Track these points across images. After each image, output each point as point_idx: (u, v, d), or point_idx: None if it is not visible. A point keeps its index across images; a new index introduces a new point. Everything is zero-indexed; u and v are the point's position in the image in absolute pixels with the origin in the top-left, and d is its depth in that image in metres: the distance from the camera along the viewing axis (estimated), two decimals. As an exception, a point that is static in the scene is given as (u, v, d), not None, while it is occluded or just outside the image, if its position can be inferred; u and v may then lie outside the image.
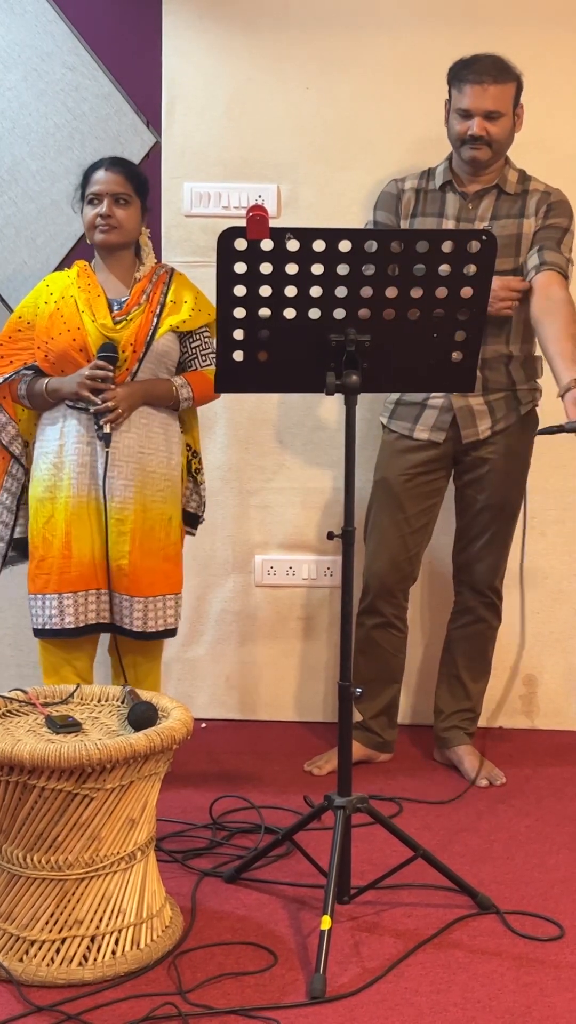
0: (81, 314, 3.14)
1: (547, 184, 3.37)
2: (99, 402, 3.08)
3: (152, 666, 3.31)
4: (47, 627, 3.15)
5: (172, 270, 3.31)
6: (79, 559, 3.13)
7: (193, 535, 3.47)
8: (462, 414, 3.36)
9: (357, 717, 3.42)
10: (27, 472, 3.29)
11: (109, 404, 3.08)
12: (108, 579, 3.14)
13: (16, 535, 3.30)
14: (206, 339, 3.29)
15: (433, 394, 3.36)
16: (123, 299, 3.21)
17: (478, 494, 3.43)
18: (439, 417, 3.38)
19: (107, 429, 3.08)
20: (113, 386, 3.09)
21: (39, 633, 3.18)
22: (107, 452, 3.10)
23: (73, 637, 3.17)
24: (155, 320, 3.19)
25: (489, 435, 3.38)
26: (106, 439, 3.09)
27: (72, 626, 3.13)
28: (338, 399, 2.60)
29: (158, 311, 3.20)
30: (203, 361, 3.28)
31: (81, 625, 3.15)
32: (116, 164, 3.23)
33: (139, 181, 3.25)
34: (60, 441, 3.16)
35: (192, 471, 3.38)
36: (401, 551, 3.46)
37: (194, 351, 3.28)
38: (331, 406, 3.85)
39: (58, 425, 3.18)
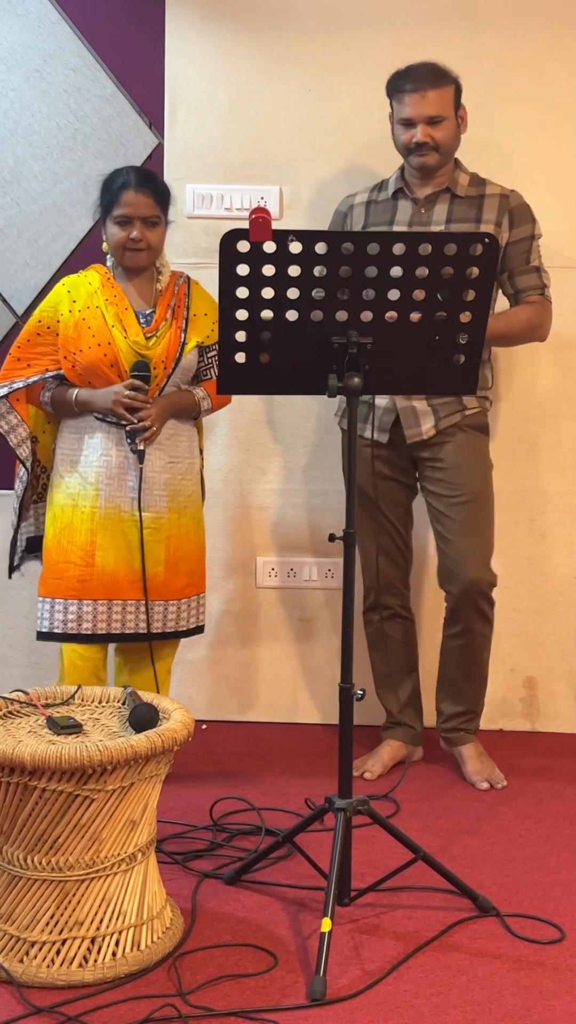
0: (111, 328, 3.14)
1: (503, 186, 3.38)
2: (135, 421, 3.11)
3: (160, 665, 3.31)
4: (56, 630, 3.16)
5: (188, 278, 3.32)
6: (102, 569, 3.15)
7: None
8: (405, 415, 3.36)
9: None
10: (31, 473, 3.30)
11: (146, 423, 3.11)
12: (144, 589, 3.16)
13: (29, 534, 3.35)
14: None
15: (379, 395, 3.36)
16: (147, 311, 3.22)
17: (443, 494, 3.41)
18: (382, 418, 3.39)
19: (142, 447, 3.12)
20: (148, 405, 3.12)
21: (48, 636, 3.19)
22: (141, 468, 3.14)
23: (88, 643, 3.18)
24: (183, 336, 3.21)
25: (434, 434, 3.37)
26: (140, 455, 3.13)
27: (89, 632, 3.16)
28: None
29: (184, 326, 3.22)
30: (217, 371, 3.28)
31: (101, 632, 3.16)
32: (145, 184, 3.17)
33: (165, 199, 3.22)
34: (86, 452, 3.19)
35: (201, 471, 3.43)
36: (390, 543, 3.51)
37: (210, 361, 3.30)
38: (333, 408, 3.85)
39: (84, 435, 3.20)
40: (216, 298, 2.58)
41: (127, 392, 3.10)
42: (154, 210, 3.17)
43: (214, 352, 3.27)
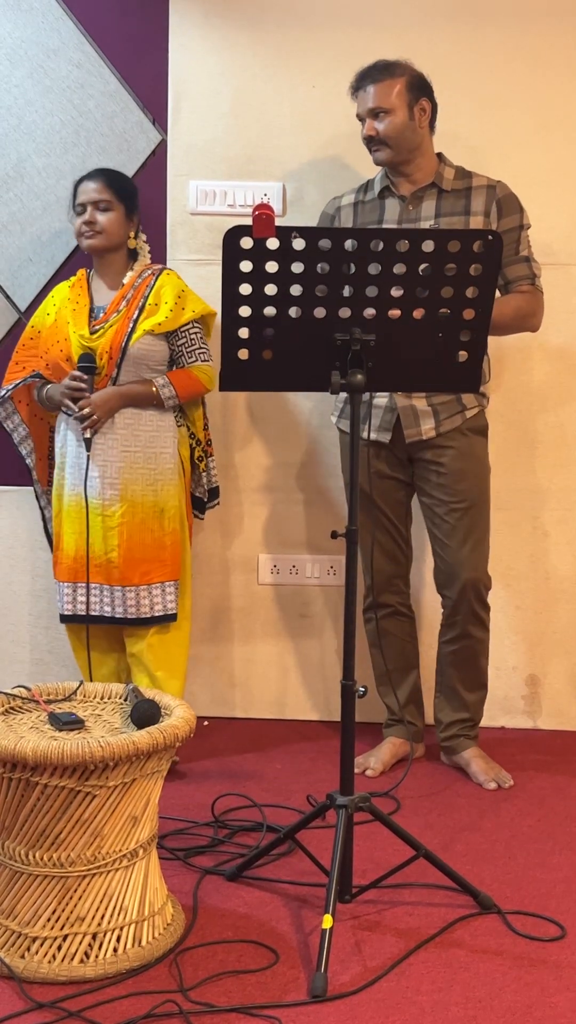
0: (67, 325, 3.34)
1: (489, 177, 3.38)
2: (77, 410, 3.27)
3: (144, 650, 3.37)
4: (60, 612, 3.43)
5: (161, 270, 3.40)
6: (67, 552, 3.38)
7: (201, 519, 3.65)
8: (405, 414, 3.36)
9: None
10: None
11: (86, 411, 3.26)
12: (87, 573, 3.32)
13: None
14: (192, 335, 3.38)
15: (378, 394, 3.36)
16: (106, 306, 3.36)
17: (443, 499, 3.40)
18: (383, 417, 3.39)
19: (87, 434, 3.28)
20: (88, 394, 3.26)
21: (61, 618, 3.45)
22: (87, 455, 3.29)
23: (68, 623, 3.44)
24: (131, 325, 3.30)
25: (434, 435, 3.37)
26: (86, 443, 3.30)
27: (68, 613, 3.39)
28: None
29: (135, 315, 3.31)
30: (190, 358, 3.39)
31: (68, 613, 3.39)
32: (98, 173, 3.42)
33: (120, 187, 3.39)
34: (61, 444, 3.41)
35: (194, 459, 3.49)
36: (389, 541, 3.52)
37: (180, 348, 3.39)
38: (334, 404, 3.85)
39: (61, 428, 3.41)
40: (214, 291, 2.58)
41: (66, 382, 3.29)
42: (103, 194, 3.35)
43: (183, 339, 3.38)
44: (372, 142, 3.30)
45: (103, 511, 3.30)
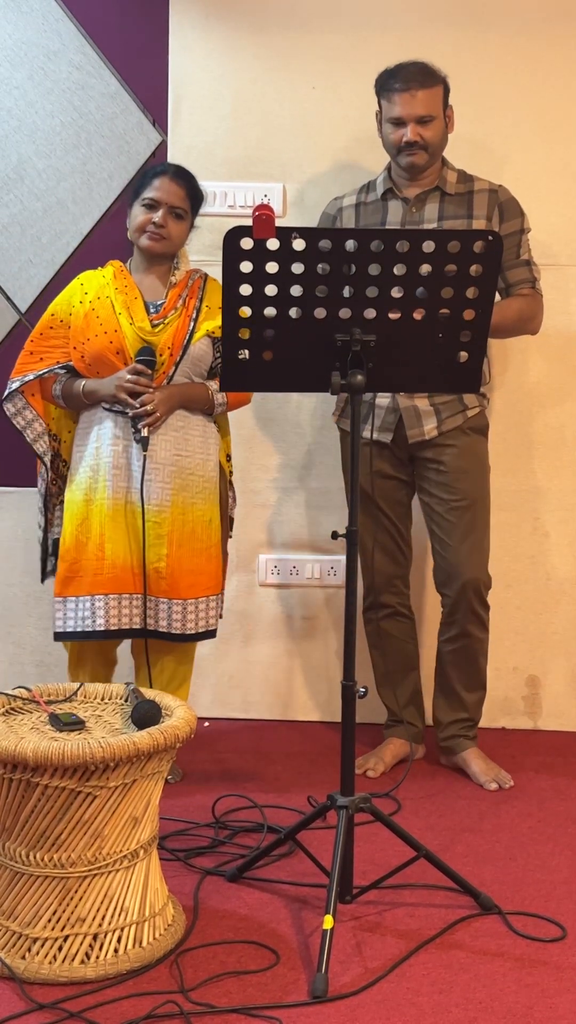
0: (118, 316, 3.14)
1: (490, 181, 3.38)
2: (137, 405, 3.08)
3: (183, 670, 3.30)
4: (78, 629, 3.13)
5: (206, 276, 3.31)
6: (112, 561, 3.12)
7: (231, 537, 3.50)
8: (407, 414, 3.36)
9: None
10: (55, 471, 3.30)
11: (148, 408, 3.08)
12: (144, 583, 3.13)
13: (56, 535, 3.30)
14: None
15: (380, 394, 3.36)
16: (159, 302, 3.22)
17: (443, 498, 3.40)
18: (385, 418, 3.39)
19: (145, 433, 3.09)
20: (151, 390, 3.09)
21: (66, 636, 3.16)
22: (144, 456, 3.10)
23: (103, 639, 3.16)
24: (192, 324, 3.19)
25: (436, 435, 3.37)
26: (144, 442, 3.09)
27: (103, 628, 3.12)
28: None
29: (194, 315, 3.21)
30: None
31: (113, 628, 3.13)
32: (181, 176, 3.22)
33: (197, 199, 3.26)
34: (96, 444, 3.17)
35: (228, 476, 3.39)
36: (390, 542, 3.51)
37: None
38: (334, 405, 3.85)
39: (94, 428, 3.18)
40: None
41: (129, 376, 3.09)
42: (183, 202, 3.19)
43: None
44: (412, 147, 3.26)
45: (155, 516, 3.12)
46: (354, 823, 2.59)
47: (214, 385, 3.23)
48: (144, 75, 3.82)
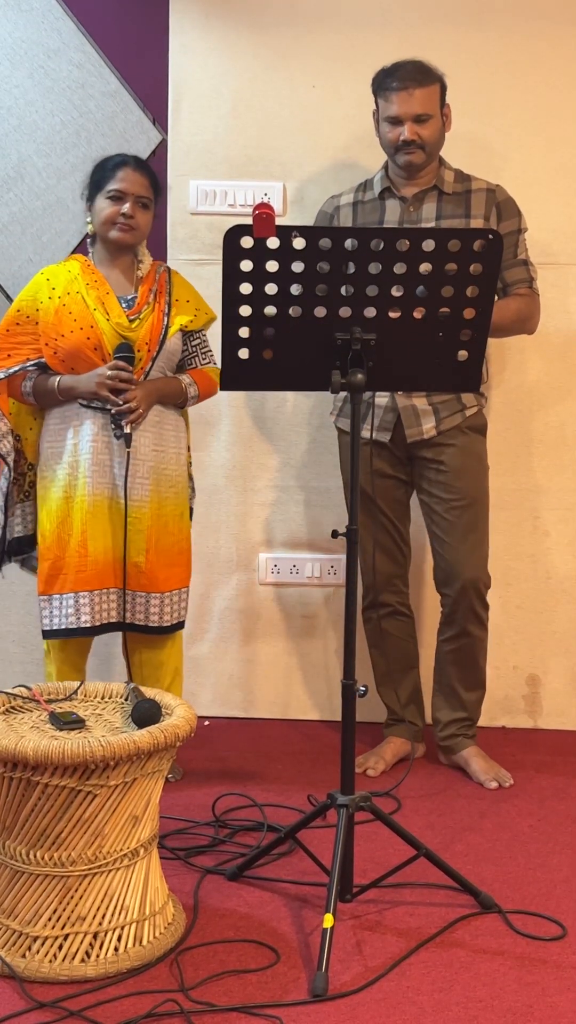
0: (93, 312, 3.13)
1: (487, 181, 3.39)
2: (120, 402, 3.08)
3: (164, 659, 3.30)
4: (63, 627, 3.14)
5: (169, 268, 3.33)
6: (95, 557, 3.13)
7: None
8: (406, 413, 3.36)
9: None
10: (14, 470, 3.25)
11: (131, 404, 3.08)
12: (124, 578, 3.15)
13: (16, 534, 3.29)
14: (204, 337, 3.33)
15: (379, 393, 3.36)
16: (129, 297, 3.22)
17: (442, 497, 3.40)
18: (383, 417, 3.39)
19: (128, 429, 3.09)
20: (133, 386, 3.09)
21: (54, 634, 3.16)
22: (127, 452, 3.11)
23: (89, 636, 3.18)
24: (165, 319, 3.20)
25: (435, 435, 3.37)
26: (127, 439, 3.10)
27: (88, 625, 3.13)
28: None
29: (167, 310, 3.22)
30: (203, 359, 3.32)
31: (98, 624, 3.15)
32: (142, 167, 3.24)
33: (158, 188, 3.27)
34: (74, 440, 3.15)
35: (188, 467, 3.41)
36: (389, 541, 3.51)
37: (195, 349, 3.31)
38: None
39: (70, 424, 3.16)
40: (214, 290, 2.58)
41: (110, 373, 3.08)
42: (148, 192, 3.21)
43: (198, 340, 3.31)
44: (409, 145, 3.26)
45: (135, 512, 3.14)
46: (354, 822, 2.59)
47: (187, 379, 3.26)
48: (144, 74, 3.82)
